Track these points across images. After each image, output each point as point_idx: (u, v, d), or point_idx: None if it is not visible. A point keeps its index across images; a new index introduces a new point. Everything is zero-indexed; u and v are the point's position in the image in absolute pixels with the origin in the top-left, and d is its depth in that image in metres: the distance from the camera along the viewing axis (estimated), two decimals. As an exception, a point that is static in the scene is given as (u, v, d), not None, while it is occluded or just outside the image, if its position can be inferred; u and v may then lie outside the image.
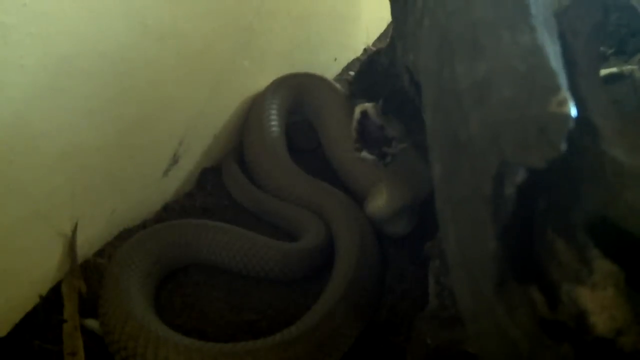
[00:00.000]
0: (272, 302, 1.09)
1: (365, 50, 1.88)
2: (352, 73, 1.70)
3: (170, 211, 1.28)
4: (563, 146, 0.43)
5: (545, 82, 0.45)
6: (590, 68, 0.57)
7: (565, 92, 0.44)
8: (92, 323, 1.00)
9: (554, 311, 0.47)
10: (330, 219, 1.21)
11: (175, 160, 1.26)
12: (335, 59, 1.76)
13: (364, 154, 0.99)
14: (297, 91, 1.49)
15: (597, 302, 0.45)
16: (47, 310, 1.01)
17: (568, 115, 0.43)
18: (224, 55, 1.32)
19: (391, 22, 1.17)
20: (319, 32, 1.65)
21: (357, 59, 1.83)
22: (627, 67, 0.82)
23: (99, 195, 1.10)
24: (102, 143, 1.07)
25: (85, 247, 1.10)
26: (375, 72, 1.35)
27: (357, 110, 0.99)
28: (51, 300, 1.02)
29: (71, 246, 1.06)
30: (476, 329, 0.51)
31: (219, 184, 1.37)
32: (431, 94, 0.61)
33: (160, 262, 1.09)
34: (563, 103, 0.43)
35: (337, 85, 1.53)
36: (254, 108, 1.43)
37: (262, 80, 1.47)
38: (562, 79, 0.45)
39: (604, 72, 0.96)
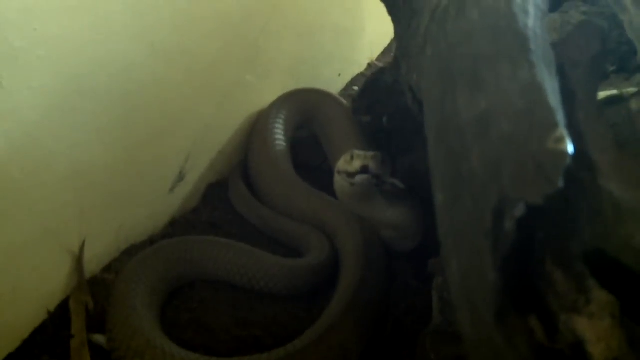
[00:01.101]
0: (278, 318, 1.10)
1: (369, 65, 1.90)
2: (356, 88, 1.72)
3: (177, 226, 1.29)
4: (560, 182, 0.44)
5: (543, 119, 0.47)
6: (589, 100, 0.59)
7: (563, 130, 0.45)
8: (99, 338, 1.01)
9: (552, 340, 0.48)
10: (334, 232, 1.23)
11: (181, 176, 1.28)
12: (340, 74, 1.78)
13: (359, 177, 1.01)
14: (303, 106, 1.50)
15: (594, 331, 0.47)
16: (55, 325, 1.02)
17: (565, 153, 0.44)
18: (230, 72, 1.34)
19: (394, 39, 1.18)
20: (323, 48, 1.67)
21: (362, 74, 1.85)
22: (627, 90, 0.83)
23: (106, 211, 1.12)
24: (110, 160, 1.08)
25: (93, 263, 1.11)
26: (379, 89, 1.37)
27: (358, 163, 1.01)
28: (59, 316, 1.04)
29: (79, 262, 1.07)
30: (477, 356, 0.52)
31: (225, 199, 1.39)
32: (434, 122, 0.63)
33: (167, 278, 1.11)
34: (560, 140, 0.45)
35: (343, 100, 1.55)
36: (258, 123, 1.45)
37: (268, 96, 1.49)
38: (560, 116, 0.47)
39: (604, 94, 0.97)
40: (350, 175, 1.03)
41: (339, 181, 1.07)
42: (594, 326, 0.47)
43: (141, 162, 1.16)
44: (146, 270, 1.08)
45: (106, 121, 1.05)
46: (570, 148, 0.45)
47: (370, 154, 1.03)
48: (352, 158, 1.03)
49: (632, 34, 0.61)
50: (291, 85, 1.53)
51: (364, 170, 1.01)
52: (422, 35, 0.76)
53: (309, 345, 0.96)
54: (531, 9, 0.59)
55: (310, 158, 1.50)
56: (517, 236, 0.47)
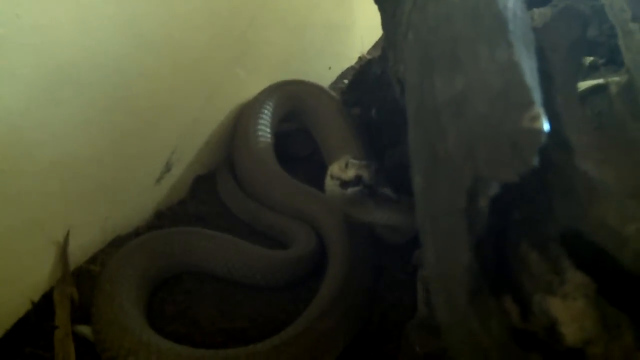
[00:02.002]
0: (263, 310, 1.10)
1: (360, 58, 1.90)
2: (346, 81, 1.71)
3: (163, 218, 1.28)
4: (535, 161, 0.44)
5: (519, 98, 0.46)
6: (568, 83, 0.58)
7: (539, 108, 0.45)
8: (83, 329, 1.01)
9: (526, 321, 0.48)
10: (319, 224, 1.22)
11: (168, 168, 1.27)
12: (330, 68, 1.78)
13: (351, 190, 1.01)
14: (290, 98, 1.50)
15: (568, 312, 0.46)
16: (39, 316, 1.02)
17: (540, 131, 0.44)
18: (218, 65, 1.33)
19: (384, 32, 1.18)
20: (313, 42, 1.67)
21: (352, 67, 1.85)
22: (613, 79, 0.83)
23: (92, 203, 1.11)
24: (96, 152, 1.08)
25: (78, 254, 1.11)
26: (367, 81, 1.37)
27: (352, 172, 1.01)
28: (43, 307, 1.03)
29: (63, 253, 1.07)
30: (451, 338, 0.52)
31: (212, 192, 1.38)
32: (413, 107, 0.63)
33: (152, 271, 1.10)
34: (536, 118, 0.44)
35: (332, 92, 1.55)
36: (242, 115, 1.44)
37: (256, 89, 1.48)
38: (537, 95, 0.47)
39: (591, 83, 0.97)
40: (344, 184, 1.03)
41: (331, 186, 1.07)
42: (567, 307, 0.46)
43: (127, 154, 1.15)
44: (131, 263, 1.08)
45: (91, 112, 1.04)
46: (545, 126, 0.44)
47: (364, 163, 1.04)
48: (346, 166, 1.04)
49: (612, 16, 0.61)
50: (280, 79, 1.52)
51: (357, 180, 1.02)
52: (405, 22, 0.76)
53: (296, 336, 0.96)
54: (512, -9, 0.58)
55: (300, 149, 1.50)
56: (492, 217, 0.46)
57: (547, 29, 0.64)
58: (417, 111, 0.61)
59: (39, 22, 0.90)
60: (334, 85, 1.77)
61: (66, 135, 1.01)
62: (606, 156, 0.50)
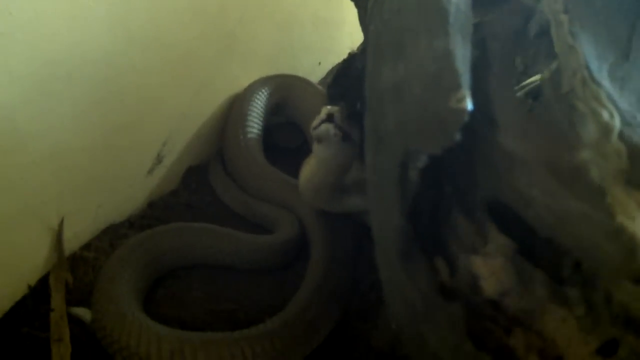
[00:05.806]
0: (249, 292, 1.15)
1: (349, 54, 1.92)
2: (333, 77, 1.75)
3: (155, 208, 1.33)
4: (457, 136, 0.49)
5: (449, 82, 0.52)
6: (504, 68, 0.63)
7: (465, 90, 0.50)
8: (78, 311, 1.05)
9: (453, 278, 0.53)
10: (301, 215, 1.28)
11: (159, 159, 1.32)
12: (320, 63, 1.82)
13: (323, 125, 1.03)
14: (278, 91, 1.55)
15: (487, 268, 0.51)
16: (35, 299, 1.07)
17: (464, 110, 0.49)
18: (207, 59, 1.38)
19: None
20: (302, 37, 1.71)
21: (342, 62, 1.88)
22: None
23: (85, 192, 1.16)
24: (88, 144, 1.12)
25: (73, 241, 1.16)
26: (351, 76, 1.40)
27: (324, 112, 1.04)
28: (39, 291, 1.08)
29: (58, 240, 1.12)
30: (387, 291, 0.57)
31: (203, 182, 1.43)
32: (367, 93, 0.68)
33: (152, 265, 1.14)
34: (461, 100, 0.49)
35: (319, 86, 1.59)
36: (234, 107, 1.49)
37: (246, 82, 1.53)
38: (465, 79, 0.52)
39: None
40: (316, 127, 1.05)
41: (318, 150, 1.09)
42: (487, 264, 0.52)
43: (119, 146, 1.20)
44: (132, 258, 1.11)
45: (83, 105, 1.08)
46: (469, 106, 0.49)
47: (336, 108, 1.06)
48: (320, 112, 1.06)
49: (546, 7, 0.65)
50: (269, 73, 1.57)
51: (329, 118, 1.04)
52: (369, 15, 0.81)
53: (287, 321, 1.01)
54: (459, -14, 0.63)
55: (290, 141, 1.55)
56: (423, 186, 0.51)
57: (491, 21, 0.69)
58: (369, 96, 0.66)
59: (31, 18, 0.94)
60: (323, 80, 1.80)
61: (59, 127, 1.05)
62: (527, 132, 0.55)
